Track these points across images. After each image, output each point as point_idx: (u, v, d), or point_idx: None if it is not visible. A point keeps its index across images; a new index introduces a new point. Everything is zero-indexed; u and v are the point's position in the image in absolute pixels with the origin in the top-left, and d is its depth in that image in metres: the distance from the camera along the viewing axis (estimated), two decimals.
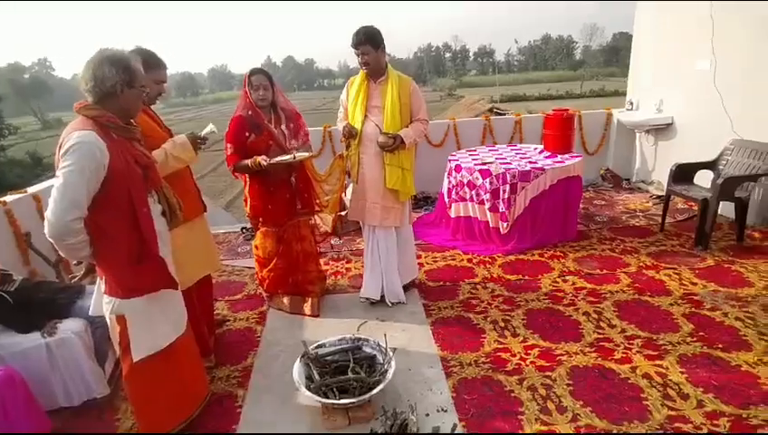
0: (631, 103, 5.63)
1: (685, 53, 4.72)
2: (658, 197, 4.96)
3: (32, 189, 3.59)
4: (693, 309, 2.89)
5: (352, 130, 2.90)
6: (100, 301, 1.95)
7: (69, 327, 2.38)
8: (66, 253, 1.73)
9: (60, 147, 1.65)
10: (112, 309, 1.86)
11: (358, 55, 2.82)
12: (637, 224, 4.36)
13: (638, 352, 2.52)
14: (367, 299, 3.17)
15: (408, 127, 2.94)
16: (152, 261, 1.85)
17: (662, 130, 5.14)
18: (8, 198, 3.34)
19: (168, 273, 1.93)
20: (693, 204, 4.32)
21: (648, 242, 3.92)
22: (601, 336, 2.68)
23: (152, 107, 2.41)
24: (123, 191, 1.73)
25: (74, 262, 2.33)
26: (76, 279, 2.49)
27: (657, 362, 2.43)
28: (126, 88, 1.74)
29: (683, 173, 4.02)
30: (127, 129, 1.80)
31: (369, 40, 2.77)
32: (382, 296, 3.16)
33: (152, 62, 2.28)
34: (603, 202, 5.05)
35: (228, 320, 3.15)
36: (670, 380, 2.30)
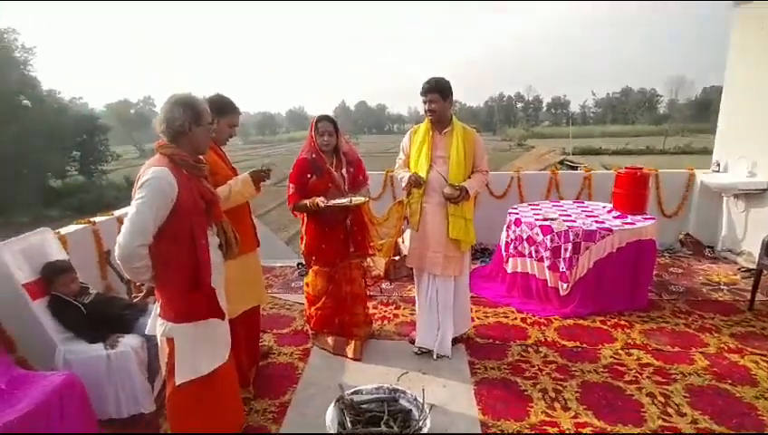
0: (718, 164, 5.19)
1: None
2: (748, 270, 4.45)
3: (117, 212, 3.97)
4: None
5: (420, 180, 2.91)
6: (155, 322, 2.07)
7: (129, 342, 2.53)
8: (130, 275, 1.87)
9: (138, 179, 1.84)
10: (164, 331, 1.97)
11: (425, 102, 2.87)
12: (720, 299, 3.93)
13: None
14: (420, 349, 3.10)
15: (470, 178, 2.94)
16: (204, 291, 1.95)
17: (755, 195, 4.67)
18: (97, 218, 3.72)
19: (217, 303, 2.02)
20: None
21: (732, 321, 3.50)
22: (667, 424, 2.40)
23: (223, 148, 2.61)
24: (186, 223, 1.86)
25: (137, 284, 2.49)
26: (138, 299, 2.67)
27: None
28: (194, 126, 1.92)
29: None
30: (196, 166, 1.96)
31: (438, 89, 2.83)
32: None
33: (227, 108, 2.49)
34: (680, 270, 4.64)
35: (273, 352, 3.20)
36: None
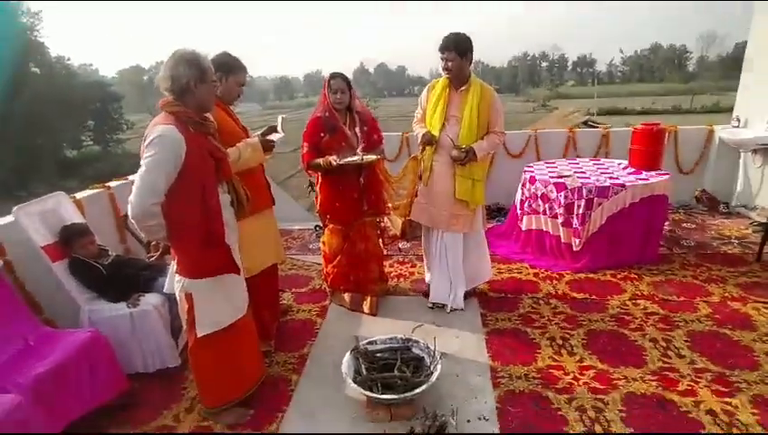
0: (738, 120, 5.09)
1: None
2: (760, 224, 4.46)
3: (132, 177, 3.96)
4: None
5: (432, 139, 2.96)
6: (173, 280, 2.15)
7: (150, 301, 2.62)
8: (146, 234, 1.94)
9: (144, 139, 1.85)
10: (182, 287, 2.06)
11: (443, 60, 2.86)
12: (729, 251, 3.96)
13: (705, 386, 2.34)
14: (434, 304, 3.23)
15: (483, 139, 2.95)
16: (219, 247, 2.01)
17: None
18: (112, 183, 3.77)
19: (232, 259, 2.09)
20: None
21: (739, 272, 3.55)
22: (667, 366, 2.51)
23: (232, 107, 2.62)
24: (196, 181, 1.89)
25: (152, 243, 2.60)
26: (153, 258, 2.79)
27: (727, 399, 2.24)
28: (198, 83, 1.91)
29: None
30: (203, 124, 1.96)
31: (455, 46, 2.80)
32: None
33: (234, 66, 2.48)
34: (694, 226, 4.65)
35: (292, 310, 3.37)
36: (738, 419, 2.12)
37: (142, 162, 1.83)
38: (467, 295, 3.30)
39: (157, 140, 1.80)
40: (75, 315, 2.61)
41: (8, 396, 1.85)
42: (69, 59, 31.05)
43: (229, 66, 2.45)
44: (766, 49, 4.86)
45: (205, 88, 1.95)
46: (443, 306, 3.21)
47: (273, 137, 2.55)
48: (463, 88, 2.92)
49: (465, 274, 3.21)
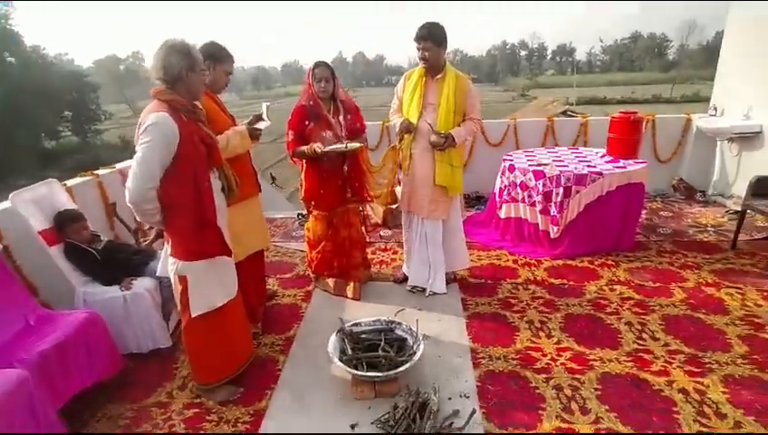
0: (715, 108, 5.23)
1: None
2: (736, 212, 4.60)
3: (119, 165, 4.06)
4: (752, 331, 2.72)
5: (410, 126, 3.00)
6: (166, 263, 2.24)
7: (142, 284, 2.72)
8: (141, 218, 2.01)
9: (139, 126, 1.93)
10: (176, 270, 2.13)
11: (419, 49, 2.89)
12: (705, 239, 4.09)
13: (678, 366, 2.44)
14: (414, 287, 3.29)
15: (460, 126, 3.00)
16: (211, 229, 2.10)
17: (748, 139, 4.74)
18: (100, 171, 3.81)
19: (224, 242, 2.18)
20: None
21: (714, 259, 3.68)
22: (641, 347, 2.61)
23: (219, 96, 2.67)
24: (189, 166, 1.97)
25: (147, 227, 2.64)
26: (146, 243, 2.83)
27: (698, 378, 2.35)
28: (189, 72, 1.99)
29: (764, 187, 3.71)
30: (193, 111, 2.05)
31: (431, 35, 2.84)
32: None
33: (222, 55, 2.54)
34: (671, 214, 4.78)
35: (278, 295, 3.41)
36: (709, 398, 2.22)
37: (137, 148, 1.89)
38: (447, 281, 3.36)
39: (151, 127, 1.87)
40: (69, 298, 2.70)
41: (15, 371, 1.93)
42: (44, 48, 31.03)
43: (217, 56, 2.52)
44: (742, 39, 4.99)
45: (195, 77, 2.03)
46: (423, 290, 3.27)
47: (260, 125, 2.61)
48: (439, 76, 2.97)
49: (446, 259, 3.27)
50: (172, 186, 1.95)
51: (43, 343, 2.16)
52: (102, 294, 2.67)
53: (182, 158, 1.93)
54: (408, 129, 3.01)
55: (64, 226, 2.78)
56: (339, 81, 3.04)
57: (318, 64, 2.95)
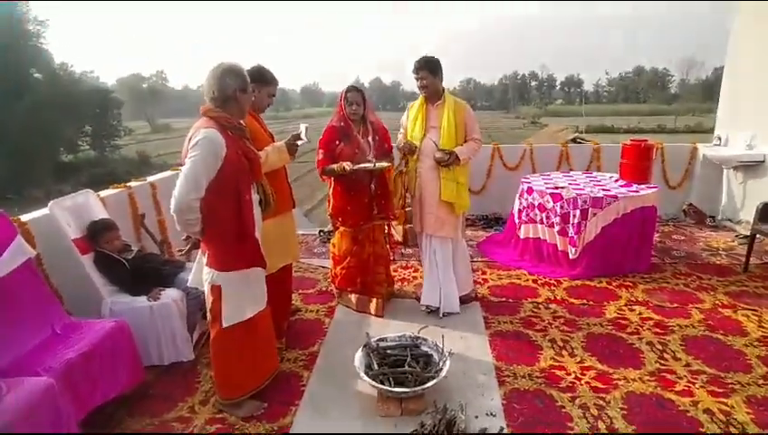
0: (719, 138, 5.37)
1: None
2: (746, 236, 4.66)
3: (150, 178, 4.16)
4: None
5: (412, 147, 3.16)
6: (198, 274, 2.29)
7: (170, 295, 2.75)
8: (183, 227, 2.08)
9: (189, 140, 2.04)
10: (211, 279, 2.19)
11: (417, 79, 3.11)
12: (717, 262, 4.14)
13: (701, 387, 2.46)
14: (427, 307, 3.33)
15: (462, 145, 3.15)
16: (249, 241, 2.17)
17: (753, 167, 4.86)
18: (132, 183, 3.90)
19: (260, 253, 2.25)
20: None
21: (728, 281, 3.73)
22: (664, 367, 2.64)
23: (261, 115, 2.83)
24: (232, 179, 2.07)
25: (183, 238, 2.72)
26: (182, 253, 2.90)
27: (722, 399, 2.36)
28: (240, 93, 2.13)
29: None
30: (240, 128, 2.17)
31: (427, 66, 3.06)
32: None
33: (267, 78, 2.73)
34: (683, 237, 4.84)
35: (300, 310, 3.44)
36: (734, 419, 2.23)
37: (187, 160, 1.99)
38: (468, 300, 3.41)
39: (201, 142, 1.98)
40: (95, 307, 2.72)
41: (41, 379, 1.92)
42: (72, 66, 32.18)
43: (263, 78, 2.70)
44: (742, 73, 5.18)
45: (245, 97, 2.18)
46: (436, 310, 3.30)
47: (298, 143, 2.73)
48: (438, 102, 3.16)
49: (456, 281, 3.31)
50: (215, 197, 2.04)
51: (71, 352, 2.17)
52: (129, 304, 2.70)
53: (227, 171, 2.03)
54: (411, 149, 3.15)
55: (97, 235, 2.84)
56: (369, 103, 3.18)
57: (350, 89, 3.10)
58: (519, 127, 43.89)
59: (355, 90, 3.09)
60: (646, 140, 4.42)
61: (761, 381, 2.49)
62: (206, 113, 2.10)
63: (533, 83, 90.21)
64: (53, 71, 28.26)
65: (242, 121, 2.24)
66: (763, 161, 4.75)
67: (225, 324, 2.21)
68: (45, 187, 21.28)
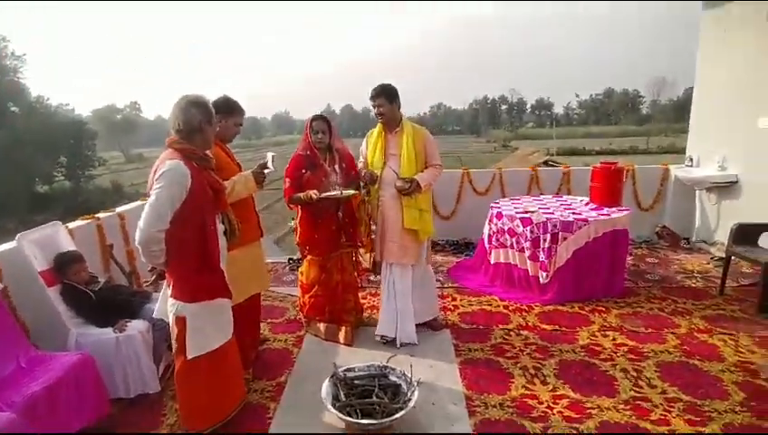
0: (691, 159, 5.46)
1: (748, 110, 4.62)
2: (720, 259, 4.69)
3: (119, 209, 4.13)
4: (747, 378, 2.71)
5: (373, 176, 3.13)
6: (164, 305, 2.28)
7: (136, 326, 2.71)
8: (147, 258, 2.06)
9: (154, 172, 2.05)
10: (176, 311, 2.16)
11: (374, 106, 3.12)
12: (693, 285, 4.15)
13: (678, 415, 2.40)
14: (383, 337, 3.23)
15: (423, 172, 3.14)
16: (214, 272, 2.17)
17: (725, 188, 4.93)
18: (101, 214, 3.87)
19: (225, 284, 2.23)
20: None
21: (703, 305, 3.72)
22: (639, 395, 2.58)
23: (228, 145, 2.82)
24: (198, 210, 2.07)
25: (149, 269, 2.65)
26: (147, 284, 2.82)
27: (699, 428, 2.31)
28: (206, 124, 2.15)
29: (745, 234, 3.84)
30: (205, 159, 2.17)
31: (384, 92, 3.08)
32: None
33: (234, 108, 2.74)
34: (657, 260, 4.86)
35: (269, 340, 3.35)
36: None
37: (152, 192, 2.00)
38: (434, 327, 3.37)
39: (167, 173, 1.99)
40: (62, 340, 2.68)
41: (4, 414, 1.89)
42: (48, 99, 32.52)
43: (231, 108, 2.72)
44: (711, 95, 5.31)
45: (211, 129, 2.21)
46: (393, 341, 3.20)
47: (265, 172, 2.71)
48: (396, 129, 3.17)
49: (416, 307, 3.25)
50: (180, 228, 2.04)
51: (35, 385, 2.15)
52: (96, 336, 2.66)
53: (192, 201, 2.04)
54: (372, 177, 3.13)
55: (64, 267, 2.80)
56: (335, 131, 3.17)
57: (315, 118, 3.10)
58: (490, 151, 44.67)
59: (321, 118, 3.09)
60: (616, 163, 4.47)
61: (738, 409, 2.44)
62: (171, 145, 2.11)
63: (504, 107, 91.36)
64: (30, 104, 28.92)
65: (207, 152, 2.24)
66: (736, 182, 4.82)
67: (189, 356, 2.17)
68: (20, 218, 21.36)
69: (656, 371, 2.81)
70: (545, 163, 18.62)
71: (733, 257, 3.88)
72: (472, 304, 3.85)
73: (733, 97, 4.88)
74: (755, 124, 4.48)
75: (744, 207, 4.72)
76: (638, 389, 2.63)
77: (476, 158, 37.05)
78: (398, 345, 3.17)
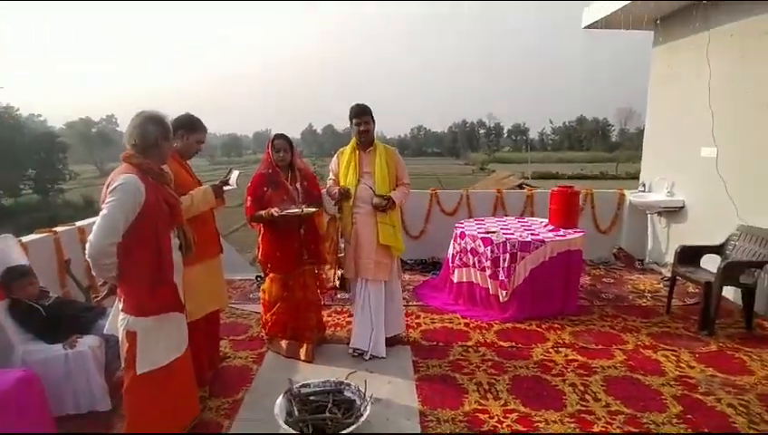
0: (644, 185, 5.77)
1: (691, 139, 4.94)
2: (669, 279, 4.94)
3: (79, 223, 4.08)
4: (685, 392, 2.87)
5: (348, 193, 3.23)
6: (115, 321, 2.24)
7: (87, 342, 2.67)
8: (98, 272, 2.05)
9: (107, 185, 2.05)
10: (126, 325, 2.13)
11: (359, 124, 3.22)
12: (643, 304, 4.36)
13: (618, 427, 2.53)
14: (355, 350, 3.31)
15: (395, 190, 3.29)
16: (167, 286, 2.16)
17: (674, 212, 5.22)
18: (58, 228, 3.82)
19: (178, 298, 2.23)
20: None
21: (651, 323, 3.91)
22: (584, 408, 2.70)
23: (189, 162, 2.85)
24: (151, 224, 2.08)
25: (100, 283, 2.65)
26: (98, 299, 2.81)
27: None
28: (162, 140, 2.18)
29: (688, 255, 4.08)
30: (161, 174, 2.20)
31: (369, 112, 3.22)
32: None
33: (196, 126, 2.77)
34: (612, 280, 5.08)
35: (228, 357, 3.34)
36: None
37: (104, 206, 2.00)
38: (394, 343, 3.44)
39: (120, 187, 2.00)
40: (7, 355, 2.63)
41: None
42: (18, 109, 31.77)
43: (192, 125, 2.75)
44: (660, 126, 5.68)
45: (167, 144, 2.24)
46: (364, 353, 3.28)
47: (225, 188, 2.76)
48: (370, 148, 3.31)
49: (385, 323, 3.34)
50: (133, 242, 2.04)
51: None
52: (43, 353, 2.62)
53: (146, 216, 2.05)
54: (347, 195, 3.23)
55: (11, 282, 2.76)
56: (297, 151, 3.27)
57: (277, 136, 3.18)
58: (468, 173, 45.68)
59: (282, 137, 3.17)
60: (572, 187, 4.68)
61: (674, 420, 2.58)
62: (126, 159, 2.13)
63: (482, 131, 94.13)
64: None
65: (164, 167, 2.27)
66: (683, 207, 5.12)
67: (139, 371, 2.14)
68: None
69: (602, 385, 2.94)
70: (519, 186, 19.09)
71: (678, 277, 4.10)
72: (434, 322, 3.95)
73: (678, 128, 5.23)
74: (699, 153, 4.78)
75: (690, 230, 5.00)
76: (584, 402, 2.75)
77: (455, 179, 37.72)
78: (368, 357, 3.24)
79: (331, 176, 3.42)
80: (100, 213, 2.00)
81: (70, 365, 2.58)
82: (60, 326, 2.72)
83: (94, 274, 2.09)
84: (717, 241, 4.09)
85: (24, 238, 3.44)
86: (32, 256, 3.15)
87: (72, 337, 2.67)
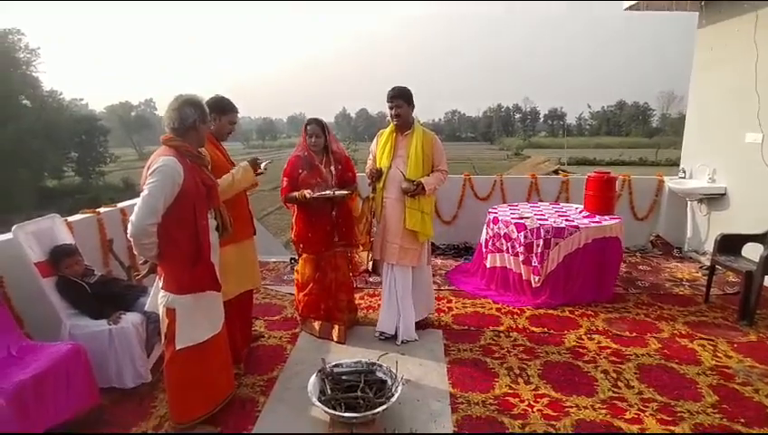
0: (684, 171, 5.56)
1: (735, 124, 4.73)
2: (708, 268, 4.78)
3: (121, 205, 4.21)
4: (722, 381, 2.80)
5: (379, 171, 3.24)
6: (155, 299, 2.34)
7: (130, 319, 2.78)
8: (139, 251, 2.14)
9: (148, 167, 2.12)
10: (166, 302, 2.23)
11: (391, 108, 3.20)
12: (680, 293, 4.24)
13: (651, 415, 2.50)
14: (381, 333, 3.35)
15: (429, 176, 3.23)
16: (204, 265, 2.23)
17: (715, 199, 5.03)
18: (102, 209, 3.96)
19: (215, 277, 2.30)
20: None
21: (688, 311, 3.81)
22: (616, 395, 2.68)
23: (224, 145, 2.93)
24: (189, 205, 2.14)
25: (141, 262, 2.77)
26: (139, 277, 2.93)
27: (670, 427, 2.40)
28: (200, 123, 2.24)
29: (729, 244, 3.92)
30: (199, 156, 2.27)
31: (401, 95, 3.18)
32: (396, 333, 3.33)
33: (228, 107, 2.84)
34: (648, 268, 4.95)
35: (263, 336, 3.45)
36: None
37: (145, 186, 2.07)
38: (425, 326, 3.46)
39: (160, 169, 2.07)
40: (56, 329, 2.75)
41: None
42: (61, 93, 32.70)
43: (224, 107, 2.81)
44: (703, 110, 5.43)
45: (204, 127, 2.30)
46: (393, 337, 3.33)
47: (263, 163, 2.85)
48: (407, 132, 3.26)
49: (415, 305, 3.37)
50: (172, 222, 2.11)
51: (23, 373, 2.19)
52: (89, 328, 2.73)
53: (184, 197, 2.11)
54: (379, 174, 3.23)
55: (59, 260, 2.87)
56: (332, 135, 3.29)
57: (310, 121, 3.22)
58: (503, 158, 44.74)
59: (315, 122, 3.21)
60: (608, 173, 4.57)
61: (709, 410, 2.54)
62: (166, 142, 2.20)
63: (517, 116, 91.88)
64: (42, 98, 29.06)
65: (201, 150, 2.33)
66: (724, 194, 4.93)
67: (178, 346, 2.24)
68: (26, 212, 21.19)
69: (635, 373, 2.90)
70: (555, 172, 18.62)
71: (717, 267, 3.97)
72: (466, 307, 3.96)
73: (722, 113, 5.01)
74: (743, 139, 4.58)
75: (731, 218, 4.81)
76: (616, 389, 2.73)
77: (490, 165, 37.13)
78: (399, 342, 3.28)
79: (370, 157, 3.43)
80: (141, 194, 2.07)
81: (114, 340, 2.69)
82: (104, 303, 2.84)
83: (136, 253, 2.17)
84: (760, 230, 3.92)
85: (71, 218, 3.57)
86: (77, 235, 3.28)
87: (116, 314, 2.77)
